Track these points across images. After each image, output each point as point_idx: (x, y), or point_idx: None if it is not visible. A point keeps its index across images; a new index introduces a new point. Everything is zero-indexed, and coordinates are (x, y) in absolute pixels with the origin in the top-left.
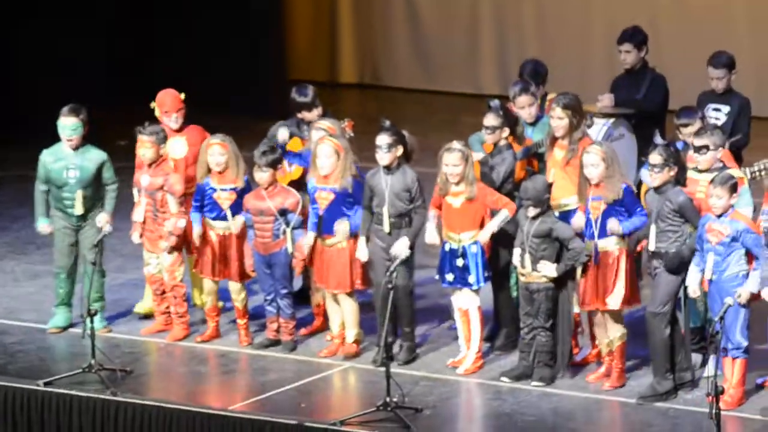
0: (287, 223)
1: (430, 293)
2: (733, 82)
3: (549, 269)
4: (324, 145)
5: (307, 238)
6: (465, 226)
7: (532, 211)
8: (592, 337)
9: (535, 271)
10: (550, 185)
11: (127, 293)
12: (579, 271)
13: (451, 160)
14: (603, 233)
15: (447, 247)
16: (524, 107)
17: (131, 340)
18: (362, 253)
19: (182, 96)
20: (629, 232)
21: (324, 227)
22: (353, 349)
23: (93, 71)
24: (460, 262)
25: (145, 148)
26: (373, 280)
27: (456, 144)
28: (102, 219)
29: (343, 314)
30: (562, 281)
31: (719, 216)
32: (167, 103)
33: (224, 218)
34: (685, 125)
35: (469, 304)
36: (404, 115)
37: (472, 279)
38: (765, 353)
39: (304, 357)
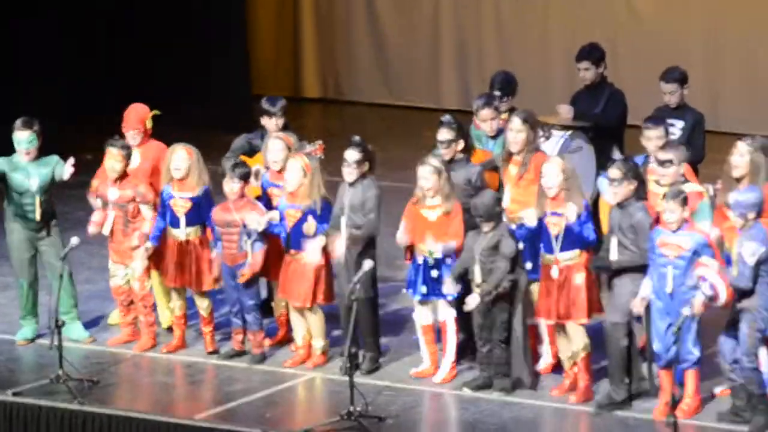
0: (248, 235)
1: (392, 304)
2: (687, 97)
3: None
4: (293, 161)
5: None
6: (440, 240)
7: (486, 227)
8: (552, 348)
9: (484, 284)
10: (499, 198)
11: (95, 305)
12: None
13: (422, 173)
14: (565, 247)
15: (420, 260)
16: (486, 120)
17: (98, 350)
18: (339, 247)
19: (152, 113)
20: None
21: (291, 243)
22: (322, 359)
23: (55, 85)
24: (434, 273)
25: (115, 161)
26: (338, 290)
27: (431, 158)
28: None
29: (310, 326)
30: (511, 293)
31: (675, 230)
32: (126, 120)
33: (179, 226)
34: (648, 128)
35: (446, 315)
36: (366, 129)
37: (446, 290)
38: (717, 363)
39: (269, 367)
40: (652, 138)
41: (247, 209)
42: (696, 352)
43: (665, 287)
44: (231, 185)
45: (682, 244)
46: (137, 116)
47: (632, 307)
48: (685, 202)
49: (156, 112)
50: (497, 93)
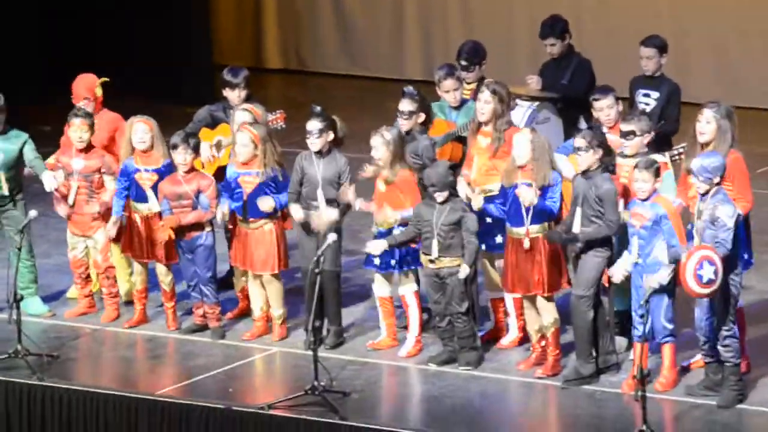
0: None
1: (357, 278)
2: (664, 67)
3: (463, 271)
4: (241, 134)
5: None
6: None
7: (440, 196)
8: (518, 322)
9: (444, 257)
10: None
11: (53, 278)
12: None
13: (373, 143)
14: (534, 220)
15: (375, 231)
16: (449, 91)
17: (57, 325)
18: (297, 213)
19: (100, 80)
20: (540, 209)
21: (249, 211)
22: (283, 330)
23: (13, 57)
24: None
25: (82, 131)
26: (302, 265)
27: (382, 129)
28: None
29: (269, 295)
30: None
31: (644, 200)
32: (75, 90)
33: (146, 200)
34: (597, 99)
35: (405, 290)
36: (329, 100)
37: (394, 261)
38: (691, 336)
39: (231, 341)
40: (603, 108)
41: (196, 180)
42: (669, 326)
43: (632, 257)
44: (184, 156)
45: (645, 214)
46: (85, 85)
47: (610, 274)
48: (657, 173)
49: (104, 79)
50: (464, 63)
